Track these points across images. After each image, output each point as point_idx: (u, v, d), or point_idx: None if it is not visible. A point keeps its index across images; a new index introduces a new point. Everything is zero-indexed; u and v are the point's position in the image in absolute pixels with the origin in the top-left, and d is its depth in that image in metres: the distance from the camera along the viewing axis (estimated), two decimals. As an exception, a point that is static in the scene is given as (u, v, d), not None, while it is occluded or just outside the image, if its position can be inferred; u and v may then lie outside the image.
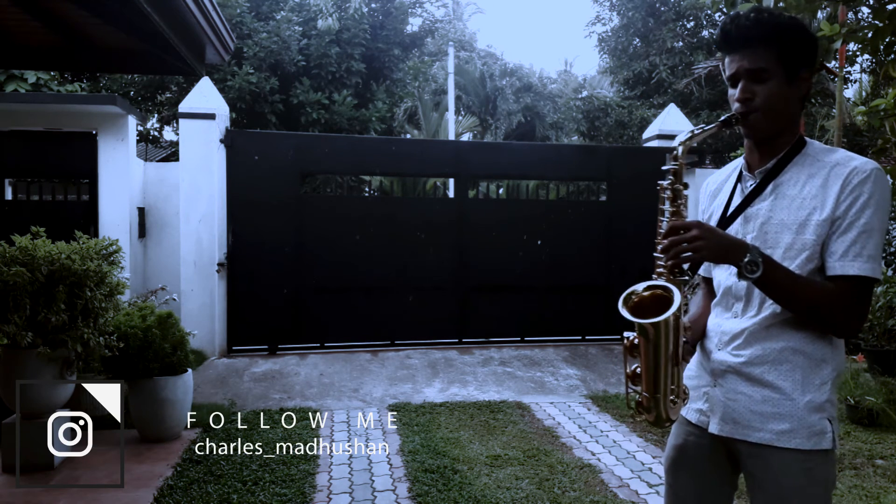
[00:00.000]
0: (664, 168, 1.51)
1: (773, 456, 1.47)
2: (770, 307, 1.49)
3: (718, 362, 1.56)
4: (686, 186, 1.50)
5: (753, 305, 1.52)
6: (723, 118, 1.52)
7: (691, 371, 1.68)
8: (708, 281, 1.75)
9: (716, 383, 1.57)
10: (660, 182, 1.51)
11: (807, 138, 1.55)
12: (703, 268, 1.75)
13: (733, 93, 1.52)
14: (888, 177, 1.47)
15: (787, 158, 1.52)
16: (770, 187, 1.53)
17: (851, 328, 1.46)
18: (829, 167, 1.47)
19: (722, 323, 1.58)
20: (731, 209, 1.59)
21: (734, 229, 1.56)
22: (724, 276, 1.60)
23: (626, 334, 1.48)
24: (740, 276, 1.42)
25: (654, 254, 1.47)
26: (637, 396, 1.49)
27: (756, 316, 1.51)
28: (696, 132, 1.51)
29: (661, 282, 1.45)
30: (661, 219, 1.49)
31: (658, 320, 1.38)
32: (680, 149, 1.50)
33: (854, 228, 1.41)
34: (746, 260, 1.39)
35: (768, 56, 1.46)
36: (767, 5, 3.51)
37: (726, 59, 1.53)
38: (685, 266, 1.48)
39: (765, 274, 1.39)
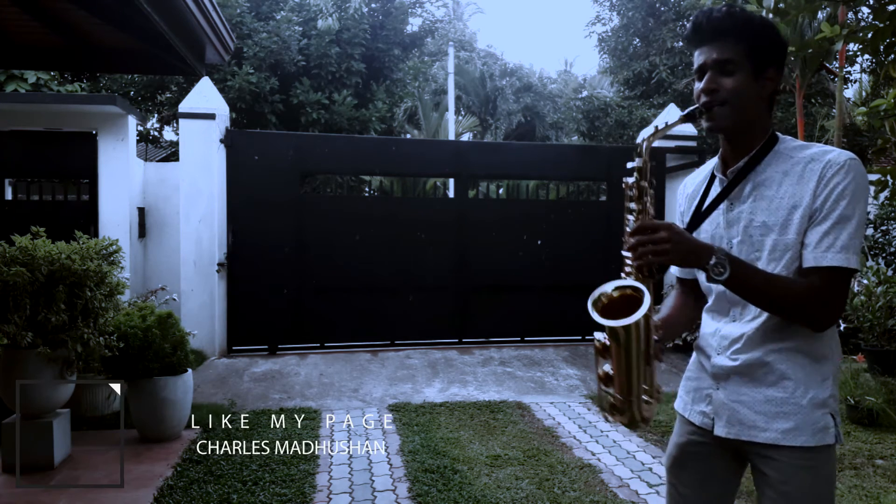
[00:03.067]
0: (629, 165, 1.49)
1: (780, 455, 1.48)
2: None
3: (719, 367, 1.56)
4: (652, 184, 1.49)
5: (751, 308, 1.51)
6: (686, 111, 1.51)
7: (692, 372, 1.68)
8: (683, 281, 1.75)
9: (718, 386, 1.57)
10: (625, 179, 1.49)
11: (779, 134, 1.54)
12: (678, 268, 1.74)
13: (699, 85, 1.52)
14: (864, 167, 1.45)
15: (758, 157, 1.52)
16: (749, 188, 1.52)
17: (828, 320, 1.45)
18: (804, 163, 1.46)
19: (721, 327, 1.57)
20: (705, 206, 1.60)
21: (718, 234, 1.56)
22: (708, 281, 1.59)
23: (596, 335, 1.47)
24: (709, 279, 1.42)
25: (622, 251, 1.45)
26: (610, 398, 1.47)
27: (755, 319, 1.50)
28: (659, 127, 1.50)
29: (630, 282, 1.43)
30: (628, 216, 1.48)
31: (629, 322, 1.36)
32: (644, 145, 1.48)
33: (829, 219, 1.41)
34: (713, 262, 1.39)
35: (737, 49, 1.47)
36: (768, 5, 3.51)
37: (696, 53, 1.53)
38: (651, 269, 1.46)
39: (733, 275, 1.39)
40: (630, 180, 1.48)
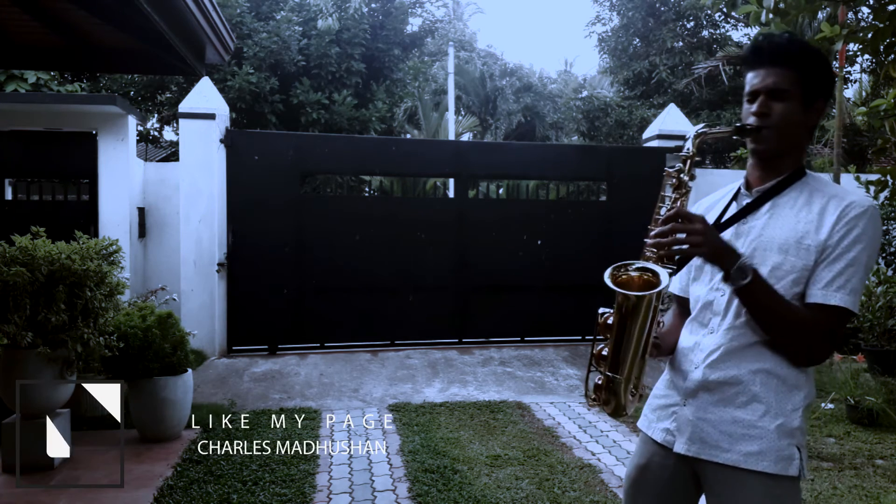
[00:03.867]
0: (677, 154, 1.51)
1: (740, 479, 1.45)
2: (742, 320, 1.48)
3: (692, 381, 1.54)
4: (693, 178, 1.50)
5: (729, 319, 1.51)
6: (738, 125, 1.52)
7: (659, 390, 1.66)
8: (680, 300, 1.74)
9: (685, 402, 1.55)
10: (667, 168, 1.51)
11: (808, 171, 1.57)
12: (678, 286, 1.74)
13: (749, 107, 1.53)
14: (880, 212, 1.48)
15: (787, 182, 1.53)
16: (767, 206, 1.53)
17: (818, 356, 1.47)
18: (828, 197, 1.48)
19: (699, 340, 1.56)
20: (724, 221, 1.59)
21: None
22: (703, 291, 1.58)
23: (601, 310, 1.47)
24: (726, 279, 1.42)
25: (647, 238, 1.45)
26: (598, 379, 1.47)
27: (730, 330, 1.50)
28: (711, 130, 1.53)
29: (650, 265, 1.44)
30: (661, 204, 1.48)
31: (642, 294, 1.38)
32: (690, 141, 1.51)
33: (842, 260, 1.42)
34: (737, 266, 1.40)
35: (793, 78, 1.49)
36: (768, 5, 3.51)
37: (749, 74, 1.55)
38: (675, 258, 1.47)
39: (752, 282, 1.39)
40: (673, 169, 1.50)
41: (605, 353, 1.47)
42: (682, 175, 1.49)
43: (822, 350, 1.46)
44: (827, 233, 1.44)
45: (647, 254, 1.46)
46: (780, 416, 1.45)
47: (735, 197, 1.62)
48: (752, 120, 1.51)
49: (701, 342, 1.55)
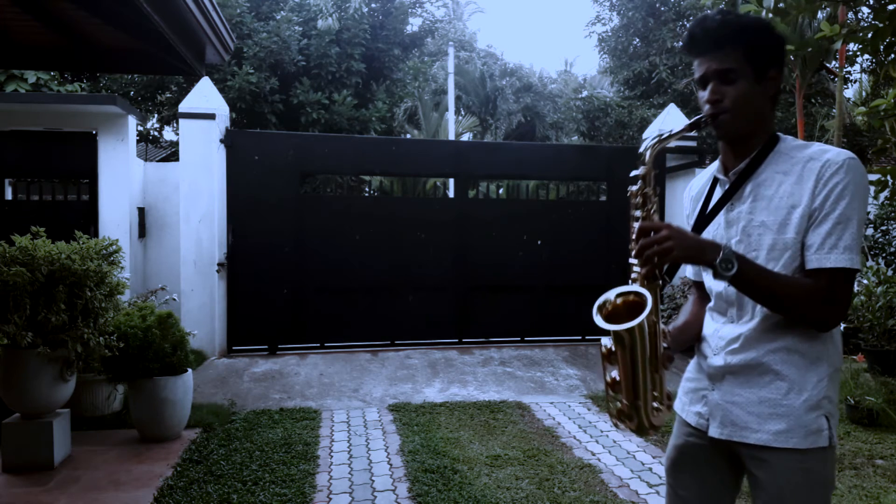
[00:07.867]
0: (633, 174, 1.49)
1: (773, 457, 1.47)
2: (764, 310, 1.48)
3: (715, 367, 1.56)
4: (656, 191, 1.49)
5: (748, 310, 1.51)
6: (691, 120, 1.51)
7: (690, 373, 1.68)
8: (698, 285, 1.75)
9: (713, 387, 1.57)
10: (630, 188, 1.49)
11: (780, 134, 1.54)
12: (692, 272, 1.74)
13: (703, 95, 1.52)
14: (863, 166, 1.44)
15: (759, 158, 1.52)
16: (749, 188, 1.52)
17: (831, 320, 1.45)
18: (803, 162, 1.46)
19: (719, 328, 1.58)
20: (709, 210, 1.59)
21: (719, 234, 1.56)
22: (712, 280, 1.58)
23: (602, 341, 1.47)
24: (716, 275, 1.41)
25: (630, 259, 1.46)
26: (617, 404, 1.48)
27: (751, 320, 1.50)
28: (663, 135, 1.50)
29: (633, 287, 1.43)
30: (634, 224, 1.47)
31: (631, 325, 1.37)
32: (648, 153, 1.48)
33: (829, 220, 1.41)
34: (720, 258, 1.39)
35: (736, 56, 1.46)
36: (768, 5, 3.51)
37: (695, 63, 1.53)
38: (661, 269, 1.47)
39: (740, 271, 1.39)
40: (634, 188, 1.48)
41: (617, 377, 1.47)
42: (645, 190, 1.47)
43: (834, 313, 1.44)
44: (809, 198, 1.42)
45: (633, 275, 1.46)
46: (804, 391, 1.45)
47: (715, 183, 1.62)
48: (706, 108, 1.50)
49: (720, 330, 1.57)
